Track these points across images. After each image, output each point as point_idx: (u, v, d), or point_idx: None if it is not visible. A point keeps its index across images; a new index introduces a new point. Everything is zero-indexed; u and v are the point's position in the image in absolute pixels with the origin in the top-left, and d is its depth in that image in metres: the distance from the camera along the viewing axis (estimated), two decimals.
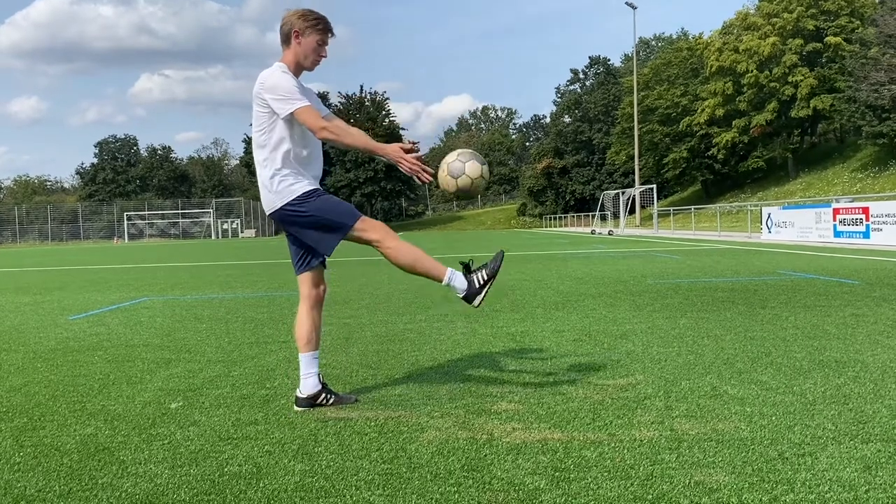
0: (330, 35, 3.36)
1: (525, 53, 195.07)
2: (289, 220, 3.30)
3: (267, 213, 3.37)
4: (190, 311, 7.25)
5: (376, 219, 3.37)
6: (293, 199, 3.25)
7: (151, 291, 9.77)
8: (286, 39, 3.32)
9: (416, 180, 3.25)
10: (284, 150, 3.26)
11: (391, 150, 3.23)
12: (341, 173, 74.37)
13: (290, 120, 3.25)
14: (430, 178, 3.26)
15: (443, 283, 3.25)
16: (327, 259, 3.51)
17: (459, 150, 3.42)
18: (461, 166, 3.35)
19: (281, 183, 3.26)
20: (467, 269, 3.29)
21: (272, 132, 3.27)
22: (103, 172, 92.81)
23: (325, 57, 3.38)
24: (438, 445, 2.74)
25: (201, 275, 13.10)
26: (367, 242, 3.28)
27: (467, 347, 4.78)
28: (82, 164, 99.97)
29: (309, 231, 3.30)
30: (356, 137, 3.31)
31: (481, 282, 3.24)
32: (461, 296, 3.26)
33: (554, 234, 41.76)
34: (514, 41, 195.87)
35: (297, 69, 3.34)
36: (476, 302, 3.24)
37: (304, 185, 3.28)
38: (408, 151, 3.24)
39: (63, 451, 2.80)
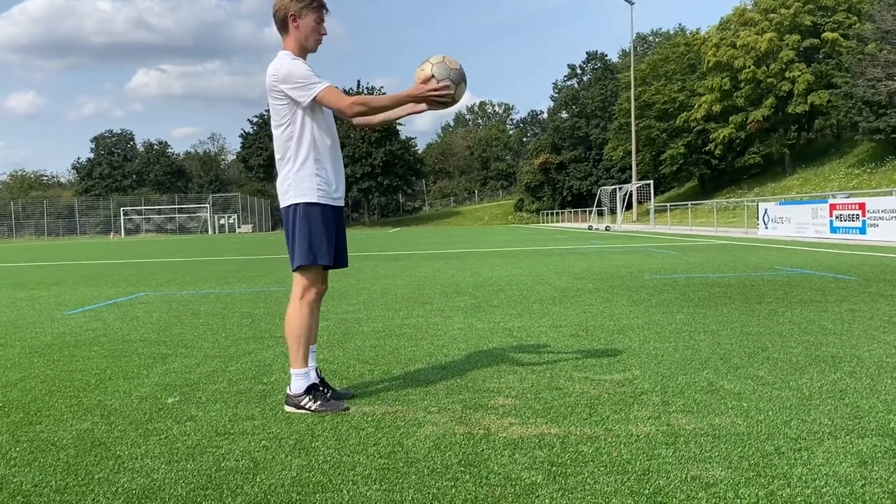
0: (325, 11, 3.30)
1: (522, 49, 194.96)
2: (287, 216, 3.29)
3: (281, 206, 3.33)
4: (187, 307, 7.24)
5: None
6: (305, 202, 3.22)
7: (148, 286, 9.76)
8: (283, 26, 3.27)
9: (445, 98, 3.18)
10: (309, 141, 3.22)
11: (417, 91, 3.18)
12: None
13: (313, 106, 3.20)
14: (447, 91, 3.18)
15: (290, 370, 3.29)
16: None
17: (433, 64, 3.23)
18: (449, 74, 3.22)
19: (304, 179, 3.22)
20: (318, 386, 3.28)
21: (294, 123, 3.22)
22: (100, 167, 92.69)
23: (325, 34, 3.33)
24: (436, 440, 2.74)
25: (198, 270, 13.09)
26: (293, 287, 3.33)
27: (464, 343, 4.78)
28: (79, 158, 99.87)
29: (288, 236, 3.30)
30: (383, 99, 3.25)
31: (305, 405, 3.20)
32: (289, 391, 3.27)
33: (551, 229, 41.77)
34: (511, 36, 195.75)
35: (303, 52, 3.29)
36: (287, 409, 3.23)
37: (323, 196, 3.24)
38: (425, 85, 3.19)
39: (59, 447, 2.80)
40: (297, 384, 3.25)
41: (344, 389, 3.54)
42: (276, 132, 3.29)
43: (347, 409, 3.21)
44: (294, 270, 3.31)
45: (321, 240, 3.24)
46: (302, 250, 3.24)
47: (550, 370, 3.87)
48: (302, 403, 3.21)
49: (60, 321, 6.44)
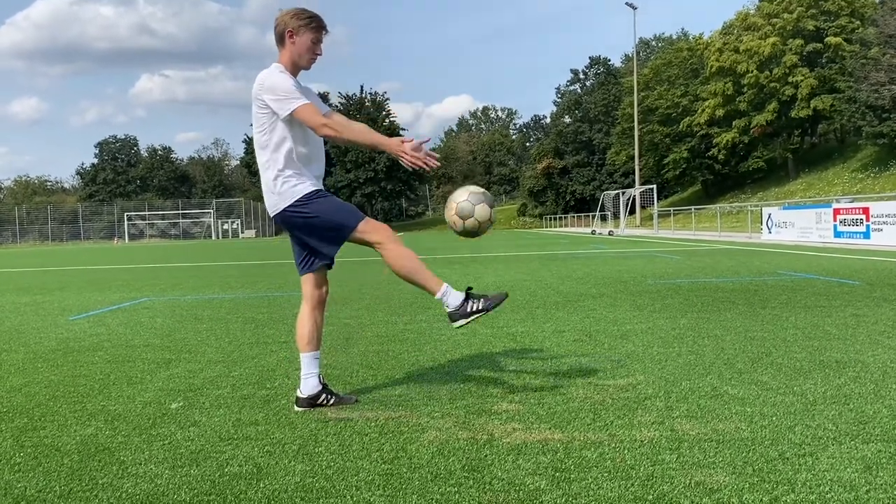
0: (324, 32, 3.36)
1: (525, 53, 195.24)
2: (291, 221, 3.30)
3: (271, 215, 3.37)
4: (190, 312, 7.25)
5: (377, 219, 3.35)
6: (296, 201, 3.26)
7: (152, 292, 9.77)
8: (281, 40, 3.33)
9: (424, 168, 3.24)
10: (286, 150, 3.27)
11: (393, 145, 3.23)
12: (341, 173, 74.36)
13: (291, 120, 3.25)
14: (437, 164, 3.26)
15: (436, 296, 3.24)
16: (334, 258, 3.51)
17: (470, 190, 3.41)
18: (470, 208, 3.34)
19: (284, 184, 3.26)
20: (468, 292, 3.27)
21: (273, 132, 3.27)
22: (104, 173, 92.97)
23: (320, 55, 3.39)
24: (439, 446, 2.74)
25: (201, 275, 13.10)
26: (370, 244, 3.27)
27: (468, 348, 4.78)
28: (83, 164, 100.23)
29: (312, 233, 3.30)
30: (357, 132, 3.30)
31: (472, 309, 3.19)
32: (448, 310, 3.23)
33: (554, 234, 41.75)
34: (514, 41, 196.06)
35: (294, 68, 3.35)
36: (458, 323, 3.20)
37: (307, 185, 3.28)
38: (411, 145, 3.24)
39: (63, 452, 2.80)
40: (453, 300, 3.19)
41: (347, 394, 3.54)
42: (255, 137, 3.35)
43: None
44: (351, 235, 3.24)
45: (342, 204, 3.31)
46: (343, 217, 3.24)
47: (554, 375, 3.86)
48: (469, 309, 3.19)
49: (64, 326, 6.45)
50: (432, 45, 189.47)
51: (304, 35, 3.30)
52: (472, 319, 3.19)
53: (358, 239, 3.28)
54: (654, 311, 6.24)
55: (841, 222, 18.21)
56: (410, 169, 3.30)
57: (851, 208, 18.02)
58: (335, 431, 2.98)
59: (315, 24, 3.32)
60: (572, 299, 7.34)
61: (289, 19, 3.29)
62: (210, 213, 77.66)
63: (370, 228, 3.26)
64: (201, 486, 2.40)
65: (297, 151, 3.29)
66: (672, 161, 53.44)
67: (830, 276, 8.98)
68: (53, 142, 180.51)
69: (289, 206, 3.26)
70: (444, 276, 10.99)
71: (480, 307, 3.18)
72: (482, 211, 3.35)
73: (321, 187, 3.36)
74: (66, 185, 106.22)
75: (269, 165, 3.29)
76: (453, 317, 3.22)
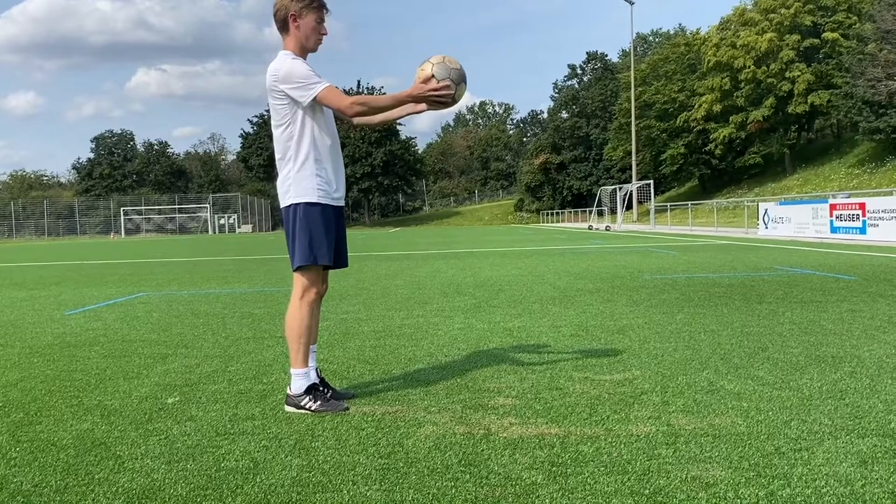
0: (326, 11, 3.30)
1: (523, 49, 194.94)
2: (291, 217, 3.26)
3: (281, 206, 3.33)
4: (187, 307, 7.24)
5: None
6: (303, 202, 3.21)
7: (148, 287, 9.76)
8: (283, 26, 3.26)
9: (446, 98, 3.17)
10: (309, 142, 3.22)
11: (415, 91, 3.16)
12: None
13: (313, 106, 3.20)
14: (447, 89, 3.17)
15: (291, 370, 3.29)
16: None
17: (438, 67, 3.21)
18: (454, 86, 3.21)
19: (305, 180, 3.21)
20: (318, 386, 3.28)
21: (295, 123, 3.22)
22: (100, 167, 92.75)
23: (325, 34, 3.32)
24: (436, 440, 2.74)
25: (198, 270, 13.09)
26: (294, 286, 3.33)
27: (464, 343, 4.78)
28: (79, 159, 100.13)
29: (292, 237, 3.27)
30: (382, 99, 3.24)
31: (307, 405, 3.20)
32: (289, 392, 3.28)
33: (551, 229, 41.77)
34: (511, 36, 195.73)
35: (303, 53, 3.29)
36: (288, 409, 3.23)
37: (321, 194, 3.23)
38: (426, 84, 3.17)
39: (59, 447, 2.80)
40: (298, 384, 3.25)
41: (344, 389, 3.54)
42: (276, 132, 3.28)
43: (347, 409, 3.21)
44: (294, 270, 3.31)
45: (321, 240, 3.23)
46: (302, 250, 3.23)
47: (550, 370, 3.87)
48: (302, 403, 3.21)
49: (60, 321, 6.44)
50: (429, 40, 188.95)
51: (307, 17, 3.23)
52: (300, 413, 3.19)
53: (295, 275, 3.30)
54: (651, 307, 6.25)
55: (837, 218, 18.24)
56: (441, 101, 3.20)
57: (848, 204, 18.04)
58: (332, 426, 2.98)
59: (317, 4, 3.25)
60: (569, 294, 7.35)
61: (289, 3, 3.21)
62: (206, 207, 77.53)
63: (307, 280, 3.27)
64: (198, 481, 2.40)
65: (321, 141, 3.24)
66: (669, 156, 53.47)
67: (827, 272, 9.00)
68: (49, 136, 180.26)
69: (295, 204, 3.22)
70: (440, 269, 11.00)
71: (313, 408, 3.19)
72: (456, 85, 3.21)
73: (332, 201, 3.27)
74: (63, 180, 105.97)
75: (291, 157, 3.23)
76: (288, 400, 3.26)
